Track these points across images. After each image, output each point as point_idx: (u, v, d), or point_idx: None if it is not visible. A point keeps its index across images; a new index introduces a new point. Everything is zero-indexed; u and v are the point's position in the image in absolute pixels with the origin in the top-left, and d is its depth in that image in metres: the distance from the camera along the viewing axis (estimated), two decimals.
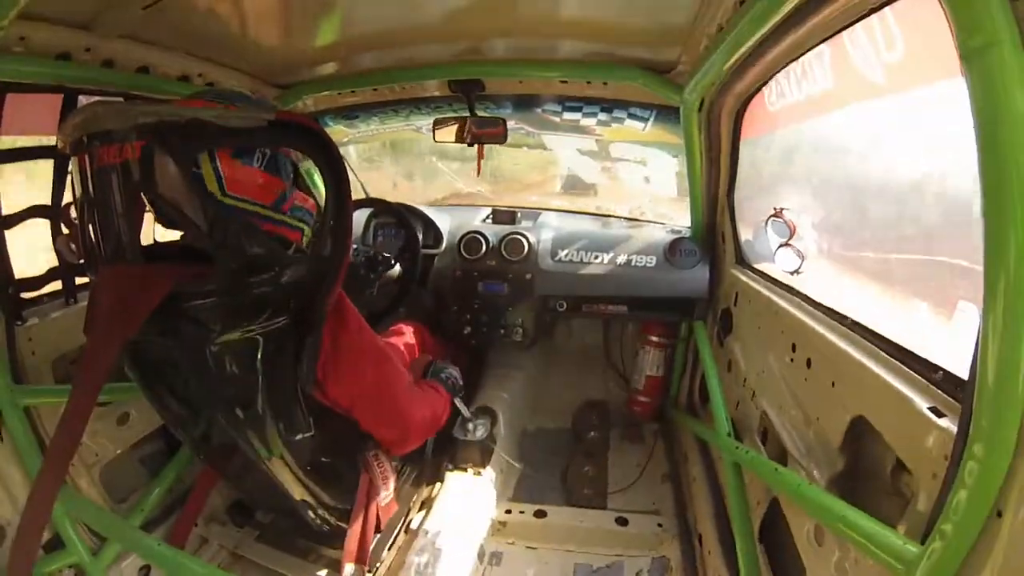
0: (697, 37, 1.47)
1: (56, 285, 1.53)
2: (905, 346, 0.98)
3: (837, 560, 0.98)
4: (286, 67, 1.95)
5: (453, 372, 1.87)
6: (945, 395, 0.81)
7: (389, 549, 1.67)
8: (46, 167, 1.45)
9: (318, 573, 1.67)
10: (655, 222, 2.95)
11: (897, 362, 0.95)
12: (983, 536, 0.63)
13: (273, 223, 1.16)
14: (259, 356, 1.16)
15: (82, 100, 1.42)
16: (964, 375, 0.81)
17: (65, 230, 1.47)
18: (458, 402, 1.91)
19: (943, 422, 0.76)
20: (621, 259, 2.19)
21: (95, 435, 1.57)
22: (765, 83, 1.57)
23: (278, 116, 1.05)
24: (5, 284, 1.37)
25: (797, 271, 1.55)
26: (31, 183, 1.62)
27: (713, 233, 2.11)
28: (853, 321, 1.16)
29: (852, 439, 1.05)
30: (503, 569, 1.77)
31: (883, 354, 0.99)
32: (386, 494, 1.56)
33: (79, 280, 1.56)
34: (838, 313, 1.23)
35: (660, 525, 1.88)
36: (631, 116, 2.34)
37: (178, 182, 1.02)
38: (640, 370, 2.48)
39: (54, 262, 1.52)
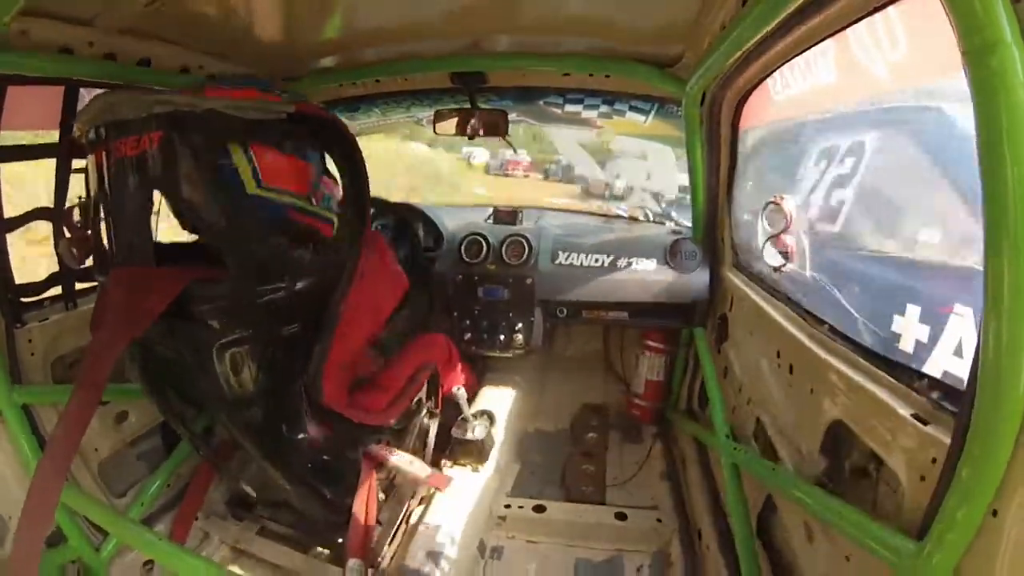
0: (701, 33, 1.46)
1: (56, 290, 1.53)
2: (884, 354, 0.99)
3: (834, 555, 0.99)
4: (288, 60, 1.93)
5: None
6: (929, 399, 0.81)
7: (390, 544, 1.69)
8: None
9: (320, 568, 1.69)
10: (657, 221, 2.93)
11: (877, 369, 0.95)
12: (980, 535, 0.63)
13: (309, 215, 1.14)
14: (266, 361, 1.15)
15: (83, 93, 1.42)
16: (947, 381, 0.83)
17: (67, 234, 1.47)
18: (462, 404, 1.92)
19: (929, 429, 0.77)
20: (622, 262, 2.17)
21: (93, 432, 1.57)
22: (766, 77, 1.56)
23: (298, 108, 1.03)
24: (5, 289, 1.37)
25: (781, 268, 1.53)
26: None
27: (713, 234, 2.10)
28: (831, 327, 1.16)
29: (833, 443, 1.06)
30: (504, 563, 1.79)
31: (862, 361, 1.00)
32: (422, 468, 1.60)
33: (79, 286, 1.56)
34: (816, 318, 1.23)
35: (659, 520, 1.89)
36: (632, 109, 2.33)
37: (195, 176, 1.00)
38: (640, 375, 2.48)
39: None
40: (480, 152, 17.61)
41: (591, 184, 13.02)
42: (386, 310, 1.60)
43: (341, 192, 1.22)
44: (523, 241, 2.25)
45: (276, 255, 1.08)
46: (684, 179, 2.20)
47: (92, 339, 1.08)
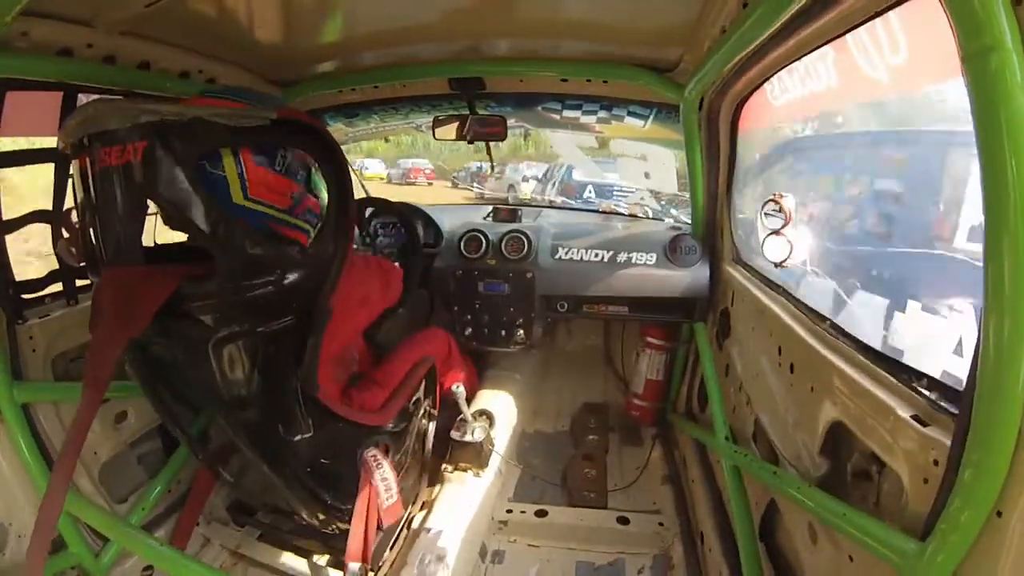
0: (700, 37, 1.47)
1: (57, 287, 1.53)
2: (886, 353, 0.99)
3: (837, 557, 0.99)
4: (287, 64, 1.94)
5: None
6: (929, 401, 0.82)
7: (391, 549, 1.68)
8: None
9: (321, 573, 1.68)
10: (656, 219, 2.95)
11: (878, 369, 0.95)
12: (983, 536, 0.64)
13: (288, 226, 1.17)
14: (260, 357, 1.16)
15: (81, 99, 1.42)
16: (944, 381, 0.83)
17: (66, 234, 1.47)
18: (461, 402, 1.91)
19: (929, 430, 0.77)
20: (622, 257, 2.18)
21: (93, 434, 1.56)
22: (764, 82, 1.57)
23: (280, 114, 1.05)
24: (5, 285, 1.37)
25: (783, 263, 1.53)
26: None
27: (713, 230, 2.11)
28: (833, 324, 1.17)
29: (833, 444, 1.06)
30: (505, 567, 1.78)
31: (863, 360, 1.00)
32: (388, 496, 1.55)
33: (80, 282, 1.56)
34: (819, 315, 1.24)
35: (661, 524, 1.88)
36: (631, 114, 2.34)
37: (181, 183, 1.02)
38: (640, 373, 2.48)
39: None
40: (373, 163, 17.46)
41: (490, 189, 12.72)
42: (377, 300, 1.60)
43: (325, 198, 1.25)
44: (522, 237, 2.26)
45: (263, 252, 1.10)
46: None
47: (91, 340, 1.08)
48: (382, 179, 17.34)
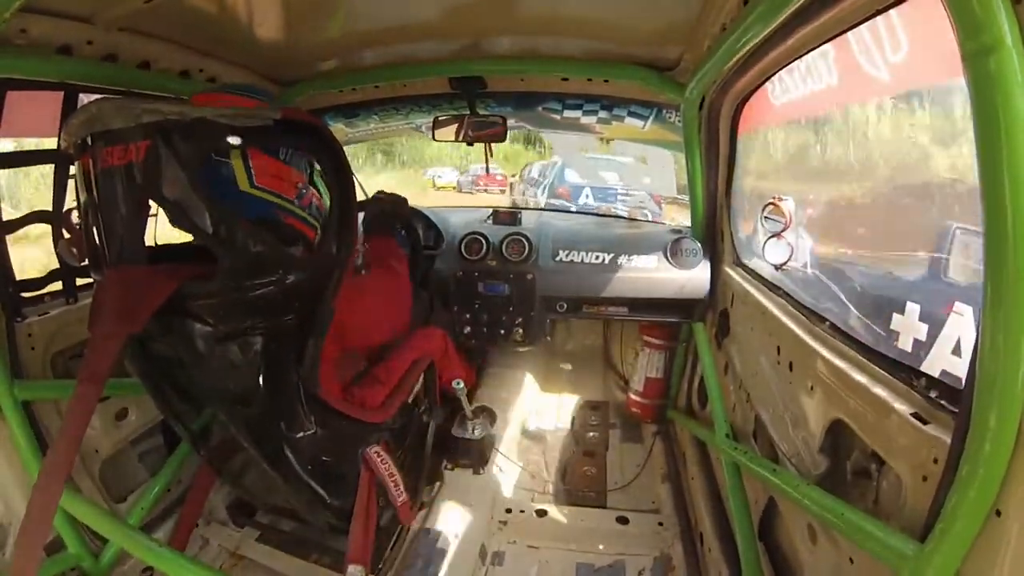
0: (700, 36, 1.47)
1: (56, 285, 1.53)
2: (884, 352, 0.99)
3: (838, 557, 0.99)
4: (288, 63, 1.94)
5: None
6: (929, 399, 0.81)
7: (391, 549, 1.68)
8: None
9: (320, 574, 1.68)
10: (656, 222, 2.95)
11: (878, 367, 0.95)
12: (983, 535, 0.63)
13: (295, 217, 1.18)
14: (262, 354, 1.16)
15: (82, 99, 1.42)
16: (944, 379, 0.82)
17: (66, 235, 1.48)
18: (462, 399, 1.91)
19: (929, 428, 0.77)
20: (622, 259, 2.18)
21: (94, 430, 1.57)
22: (765, 81, 1.57)
23: (284, 115, 1.05)
24: (5, 284, 1.37)
25: (783, 266, 1.54)
26: None
27: (713, 232, 2.11)
28: (832, 324, 1.17)
29: (833, 442, 1.06)
30: (505, 569, 1.77)
31: (862, 359, 1.00)
32: (398, 493, 1.55)
33: (80, 281, 1.56)
34: (817, 315, 1.24)
35: (661, 524, 1.88)
36: (631, 114, 2.34)
37: (184, 182, 1.01)
38: (640, 372, 2.48)
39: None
40: (447, 172, 16.47)
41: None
42: (388, 329, 1.65)
43: (328, 197, 1.25)
44: (523, 240, 2.26)
45: (265, 252, 1.10)
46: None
47: (91, 335, 1.08)
48: (453, 188, 15.94)
